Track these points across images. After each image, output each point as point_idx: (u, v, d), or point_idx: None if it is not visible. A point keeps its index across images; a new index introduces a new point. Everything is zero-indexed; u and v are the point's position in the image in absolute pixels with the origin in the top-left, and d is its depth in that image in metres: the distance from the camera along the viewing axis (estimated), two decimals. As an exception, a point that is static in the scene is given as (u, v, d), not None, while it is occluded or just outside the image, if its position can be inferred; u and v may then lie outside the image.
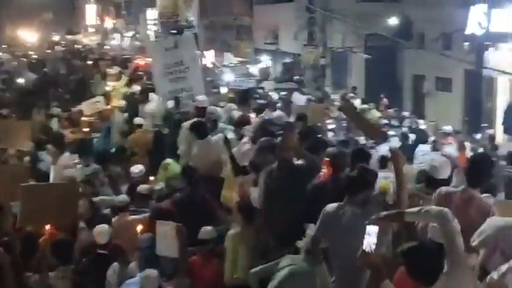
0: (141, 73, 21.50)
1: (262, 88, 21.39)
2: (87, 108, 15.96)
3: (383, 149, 10.50)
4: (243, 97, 12.42)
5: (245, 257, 6.85)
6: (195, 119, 10.17)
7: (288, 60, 33.02)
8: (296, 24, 30.43)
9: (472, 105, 19.58)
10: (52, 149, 11.97)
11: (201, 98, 11.22)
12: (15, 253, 7.20)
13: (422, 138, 14.42)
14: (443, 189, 5.97)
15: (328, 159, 7.56)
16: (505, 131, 15.97)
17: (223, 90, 17.90)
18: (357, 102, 19.11)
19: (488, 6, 17.58)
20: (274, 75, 31.87)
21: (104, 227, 7.74)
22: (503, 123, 17.03)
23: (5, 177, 8.67)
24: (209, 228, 7.34)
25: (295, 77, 29.09)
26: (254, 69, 31.02)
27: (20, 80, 24.77)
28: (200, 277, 7.27)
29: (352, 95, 21.64)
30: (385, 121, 16.44)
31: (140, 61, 25.84)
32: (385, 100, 20.21)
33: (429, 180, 6.40)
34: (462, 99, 20.37)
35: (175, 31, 12.95)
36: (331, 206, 5.72)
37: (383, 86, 23.25)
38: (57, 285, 6.93)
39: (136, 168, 10.20)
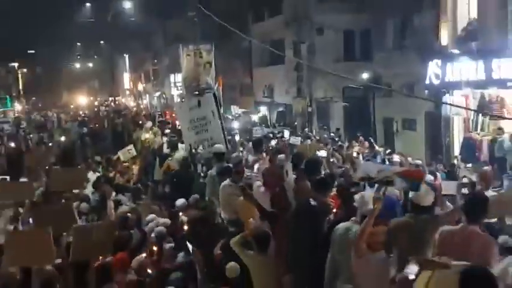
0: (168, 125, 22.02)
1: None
2: (122, 155, 16.37)
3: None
4: (257, 144, 12.56)
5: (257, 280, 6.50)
6: (222, 166, 10.25)
7: (281, 109, 33.69)
8: (287, 81, 31.23)
9: (433, 140, 20.00)
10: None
11: (219, 146, 11.46)
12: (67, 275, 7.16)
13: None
14: (445, 229, 5.71)
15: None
16: (462, 161, 16.31)
17: (237, 137, 18.48)
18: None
19: (442, 61, 18.19)
20: (270, 121, 32.49)
21: None
22: (460, 154, 17.42)
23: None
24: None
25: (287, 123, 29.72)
26: (255, 117, 31.93)
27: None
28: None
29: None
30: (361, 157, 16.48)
31: (168, 115, 26.66)
32: (361, 138, 20.59)
33: (415, 207, 5.78)
34: (424, 136, 20.80)
35: (197, 93, 13.14)
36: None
37: (359, 127, 23.60)
38: None
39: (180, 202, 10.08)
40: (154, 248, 8.18)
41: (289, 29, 29.74)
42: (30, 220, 8.67)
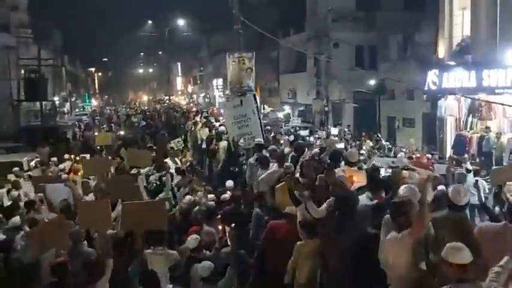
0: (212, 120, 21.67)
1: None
2: (174, 144, 15.91)
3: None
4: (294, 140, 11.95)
5: (305, 265, 5.74)
6: (258, 155, 9.70)
7: (302, 108, 32.94)
8: (308, 85, 30.54)
9: (428, 136, 19.23)
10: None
11: (259, 139, 11.06)
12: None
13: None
14: (484, 226, 5.16)
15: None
16: (455, 154, 15.54)
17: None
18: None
19: (439, 71, 17.38)
20: (292, 117, 31.98)
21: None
22: (452, 148, 16.64)
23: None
24: None
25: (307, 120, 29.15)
26: (280, 115, 31.39)
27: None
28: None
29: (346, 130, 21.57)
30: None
31: (211, 111, 26.37)
32: (363, 133, 19.90)
33: (453, 206, 4.94)
34: (421, 132, 20.05)
35: (240, 93, 12.66)
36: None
37: (367, 124, 22.94)
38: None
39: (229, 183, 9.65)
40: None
41: (311, 43, 29.09)
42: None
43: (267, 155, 9.48)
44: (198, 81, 59.07)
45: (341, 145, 12.09)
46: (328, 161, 7.98)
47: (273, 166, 8.65)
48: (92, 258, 6.07)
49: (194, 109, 30.96)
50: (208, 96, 51.94)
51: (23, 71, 29.20)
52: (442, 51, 18.39)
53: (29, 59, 28.85)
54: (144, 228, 6.36)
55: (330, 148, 9.59)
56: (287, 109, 34.47)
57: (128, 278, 5.88)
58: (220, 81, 48.68)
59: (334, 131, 18.78)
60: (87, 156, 14.22)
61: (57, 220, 7.06)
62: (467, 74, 16.21)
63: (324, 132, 18.15)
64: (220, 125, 16.16)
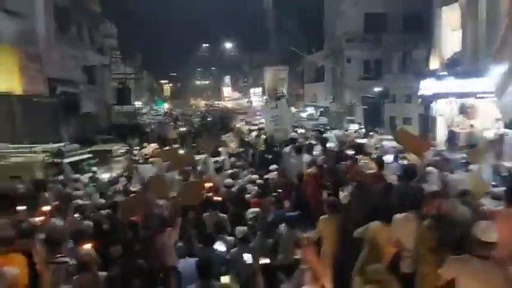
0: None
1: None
2: (226, 138, 15.55)
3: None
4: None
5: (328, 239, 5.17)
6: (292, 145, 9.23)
7: (322, 109, 32.11)
8: (326, 92, 29.77)
9: (423, 132, 18.19)
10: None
11: (293, 134, 10.72)
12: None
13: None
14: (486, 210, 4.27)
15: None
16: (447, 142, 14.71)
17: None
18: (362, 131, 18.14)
19: (432, 79, 16.46)
20: (316, 116, 31.15)
21: None
22: (446, 141, 15.65)
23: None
24: None
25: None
26: (304, 115, 30.71)
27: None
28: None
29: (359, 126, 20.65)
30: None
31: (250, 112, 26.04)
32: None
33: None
34: (418, 129, 19.05)
35: (276, 98, 12.19)
36: None
37: (373, 122, 21.83)
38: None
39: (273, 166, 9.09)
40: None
41: (328, 59, 28.31)
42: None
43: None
44: (241, 90, 59.17)
45: (362, 140, 11.42)
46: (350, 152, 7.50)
47: (304, 155, 8.28)
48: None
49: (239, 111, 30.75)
50: (248, 101, 51.81)
51: (113, 83, 29.73)
52: (435, 64, 17.39)
53: (118, 74, 29.37)
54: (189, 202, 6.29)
55: (350, 142, 9.08)
56: (310, 110, 33.71)
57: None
58: (258, 89, 48.41)
59: (354, 126, 17.90)
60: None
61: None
62: (457, 82, 15.28)
63: (342, 130, 17.34)
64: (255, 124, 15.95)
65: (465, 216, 3.80)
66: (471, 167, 7.88)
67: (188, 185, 7.09)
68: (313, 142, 9.64)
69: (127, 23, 37.39)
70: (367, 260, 3.84)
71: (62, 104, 17.97)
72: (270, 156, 10.45)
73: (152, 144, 14.66)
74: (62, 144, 11.02)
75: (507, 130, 13.25)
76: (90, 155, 12.23)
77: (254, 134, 14.72)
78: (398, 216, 4.11)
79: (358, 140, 11.17)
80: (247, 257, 5.04)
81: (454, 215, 3.78)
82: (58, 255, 4.65)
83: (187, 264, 4.97)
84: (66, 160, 10.40)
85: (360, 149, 7.66)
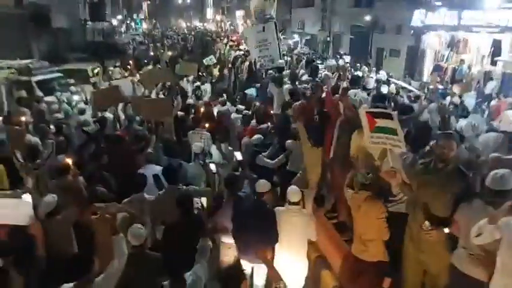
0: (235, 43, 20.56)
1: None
2: (205, 61, 14.68)
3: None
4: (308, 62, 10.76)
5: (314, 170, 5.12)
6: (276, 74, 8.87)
7: (308, 37, 30.90)
8: (314, 18, 28.58)
9: (410, 65, 17.96)
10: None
11: (281, 61, 10.16)
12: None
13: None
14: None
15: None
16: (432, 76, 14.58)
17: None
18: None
19: (426, 10, 15.80)
20: (300, 45, 30.08)
21: None
22: (430, 74, 15.50)
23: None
24: None
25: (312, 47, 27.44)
26: (290, 42, 29.60)
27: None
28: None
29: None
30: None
31: (233, 37, 24.90)
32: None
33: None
34: (404, 62, 18.71)
35: (263, 21, 11.46)
36: None
37: (360, 54, 21.22)
38: None
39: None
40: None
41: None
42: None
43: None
44: (225, 12, 56.41)
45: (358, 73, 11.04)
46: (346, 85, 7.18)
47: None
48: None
49: (222, 34, 29.42)
50: (232, 24, 49.46)
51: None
52: (430, -7, 16.60)
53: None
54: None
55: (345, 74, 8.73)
56: (296, 37, 32.49)
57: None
58: (242, 12, 46.12)
59: (347, 59, 17.37)
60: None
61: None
62: (450, 14, 14.72)
63: (334, 60, 16.72)
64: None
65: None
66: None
67: (157, 101, 7.32)
68: (302, 71, 9.22)
69: None
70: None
71: (30, 17, 16.61)
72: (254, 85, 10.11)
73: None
74: (29, 60, 10.25)
75: (492, 67, 13.21)
76: (60, 74, 11.50)
77: (238, 59, 14.09)
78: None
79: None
80: (212, 167, 5.40)
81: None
82: (38, 161, 4.98)
83: (152, 169, 5.10)
84: (34, 78, 9.78)
85: (355, 81, 7.30)
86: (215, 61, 14.93)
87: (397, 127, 3.50)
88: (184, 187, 4.65)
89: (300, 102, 6.37)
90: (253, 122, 7.13)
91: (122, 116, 7.62)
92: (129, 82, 9.47)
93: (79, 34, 25.65)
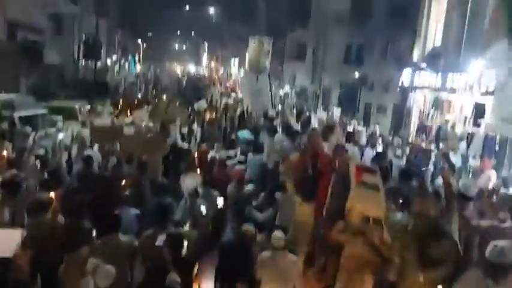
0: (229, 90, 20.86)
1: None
2: (197, 106, 14.84)
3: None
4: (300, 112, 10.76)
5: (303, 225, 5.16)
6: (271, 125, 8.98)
7: (298, 89, 31.80)
8: (305, 71, 29.48)
9: (396, 122, 18.33)
10: None
11: (271, 111, 10.30)
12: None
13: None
14: None
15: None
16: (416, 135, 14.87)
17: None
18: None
19: (412, 70, 16.42)
20: (290, 96, 30.80)
21: None
22: (416, 131, 15.84)
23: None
24: None
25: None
26: (281, 92, 30.35)
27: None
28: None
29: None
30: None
31: (227, 84, 25.38)
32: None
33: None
34: (391, 118, 19.15)
35: (258, 71, 11.67)
36: None
37: (348, 108, 21.73)
38: None
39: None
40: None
41: (312, 38, 27.81)
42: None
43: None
44: (220, 59, 58.10)
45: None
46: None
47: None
48: None
49: (216, 80, 30.00)
50: (226, 71, 50.82)
51: (84, 36, 28.12)
52: (416, 55, 17.36)
53: (89, 27, 27.71)
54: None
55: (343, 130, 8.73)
56: (287, 88, 33.35)
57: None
58: (237, 60, 47.59)
59: (337, 112, 17.73)
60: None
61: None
62: (435, 76, 15.31)
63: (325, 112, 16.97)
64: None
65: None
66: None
67: (151, 138, 7.65)
68: (292, 122, 9.25)
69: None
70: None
71: (22, 52, 16.72)
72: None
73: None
74: (14, 95, 10.11)
75: (476, 128, 13.52)
76: (45, 111, 11.33)
77: (230, 107, 14.15)
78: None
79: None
80: (203, 208, 5.34)
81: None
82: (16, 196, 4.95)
83: (128, 213, 5.07)
84: (17, 114, 9.59)
85: (350, 136, 7.30)
86: (206, 106, 15.02)
87: (379, 183, 3.45)
88: (173, 228, 4.60)
89: (291, 155, 6.28)
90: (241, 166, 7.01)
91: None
92: (109, 121, 9.56)
93: (71, 71, 25.87)
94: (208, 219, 5.34)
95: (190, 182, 6.00)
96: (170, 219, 4.66)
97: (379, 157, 5.80)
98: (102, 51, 29.49)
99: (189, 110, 14.20)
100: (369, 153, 7.44)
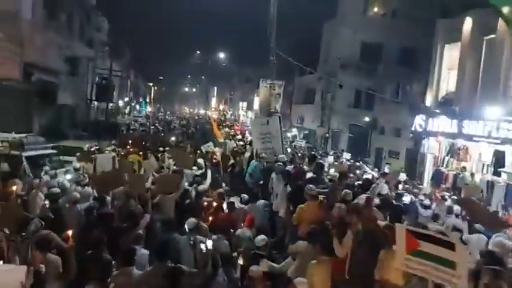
0: (237, 132, 20.63)
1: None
2: (204, 148, 14.74)
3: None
4: (312, 158, 10.25)
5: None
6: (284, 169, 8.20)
7: (306, 132, 31.52)
8: (313, 115, 29.32)
9: (410, 167, 17.73)
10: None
11: (282, 156, 9.69)
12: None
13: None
14: None
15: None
16: (432, 185, 14.24)
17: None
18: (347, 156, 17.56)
19: (426, 116, 16.12)
20: (298, 138, 30.53)
21: None
22: (431, 180, 15.28)
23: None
24: None
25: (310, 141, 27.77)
26: (289, 135, 30.16)
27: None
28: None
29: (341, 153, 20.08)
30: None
31: (235, 127, 25.23)
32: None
33: None
34: (404, 164, 18.56)
35: (268, 114, 11.37)
36: None
37: (358, 152, 21.32)
38: None
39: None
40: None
41: (320, 82, 27.88)
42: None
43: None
44: (228, 102, 58.83)
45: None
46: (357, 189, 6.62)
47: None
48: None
49: (226, 123, 29.97)
50: (234, 114, 51.18)
51: (97, 78, 28.61)
52: (429, 101, 17.14)
53: (103, 69, 28.25)
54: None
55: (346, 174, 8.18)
56: (295, 131, 33.22)
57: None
58: (245, 104, 47.97)
59: (346, 155, 17.19)
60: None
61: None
62: (450, 122, 14.94)
63: (332, 157, 16.52)
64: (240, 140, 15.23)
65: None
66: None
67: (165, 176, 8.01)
68: (305, 168, 8.71)
69: (121, 19, 36.45)
70: None
71: (36, 92, 16.80)
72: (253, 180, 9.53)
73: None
74: (24, 135, 9.96)
75: (495, 177, 12.95)
76: (53, 151, 11.17)
77: (238, 152, 13.79)
78: None
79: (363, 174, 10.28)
80: (203, 246, 5.23)
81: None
82: (23, 234, 5.01)
83: (141, 254, 5.11)
84: (25, 153, 9.41)
85: (368, 185, 6.67)
86: (213, 148, 14.69)
87: (459, 260, 2.80)
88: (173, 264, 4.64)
89: (306, 204, 5.79)
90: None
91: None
92: (110, 157, 9.81)
93: (83, 112, 26.01)
94: (209, 258, 5.13)
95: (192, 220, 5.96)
96: (173, 254, 4.83)
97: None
98: (114, 92, 29.81)
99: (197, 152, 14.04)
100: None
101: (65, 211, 6.42)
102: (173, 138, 17.97)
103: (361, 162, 16.48)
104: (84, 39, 26.31)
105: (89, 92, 26.75)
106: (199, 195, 7.77)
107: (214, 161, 11.29)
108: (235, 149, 13.37)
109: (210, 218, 6.35)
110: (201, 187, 8.61)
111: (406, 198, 8.09)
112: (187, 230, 5.62)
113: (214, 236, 5.65)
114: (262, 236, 5.63)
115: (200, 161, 11.16)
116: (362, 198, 5.52)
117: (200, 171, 10.13)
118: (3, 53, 13.62)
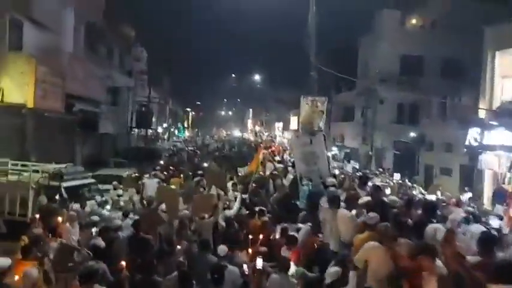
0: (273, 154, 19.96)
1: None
2: (242, 170, 14.09)
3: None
4: (364, 180, 9.23)
5: None
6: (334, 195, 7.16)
7: (347, 151, 30.23)
8: (354, 132, 28.09)
9: (466, 185, 16.16)
10: None
11: (331, 179, 8.78)
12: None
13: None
14: None
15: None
16: (493, 204, 12.76)
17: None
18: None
19: (480, 129, 14.73)
20: (339, 158, 29.31)
21: None
22: (493, 196, 13.74)
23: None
24: None
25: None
26: (329, 154, 29.02)
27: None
28: None
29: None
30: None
31: (272, 147, 24.60)
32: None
33: None
34: (459, 182, 17.04)
35: (311, 133, 10.54)
36: None
37: (405, 170, 19.78)
38: None
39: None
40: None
41: (360, 98, 26.78)
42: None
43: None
44: (264, 124, 58.86)
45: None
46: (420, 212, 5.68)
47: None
48: None
49: (263, 145, 29.37)
50: (270, 135, 50.78)
51: (137, 106, 29.19)
52: (482, 113, 15.74)
53: (142, 97, 28.82)
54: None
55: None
56: (335, 150, 32.04)
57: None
58: (281, 124, 47.44)
59: (396, 176, 15.98)
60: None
61: None
62: (509, 134, 13.53)
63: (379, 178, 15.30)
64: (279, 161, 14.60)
65: None
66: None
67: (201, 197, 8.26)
68: (358, 190, 7.75)
69: (158, 48, 37.34)
70: None
71: (79, 122, 17.05)
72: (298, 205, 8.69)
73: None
74: (64, 165, 9.81)
75: None
76: (92, 180, 11.00)
77: (277, 175, 12.97)
78: None
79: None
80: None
81: None
82: (69, 264, 5.35)
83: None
84: (64, 184, 9.20)
85: (433, 210, 5.64)
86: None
87: None
88: None
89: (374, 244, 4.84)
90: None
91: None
92: (156, 182, 10.54)
93: (124, 140, 26.42)
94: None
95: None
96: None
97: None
98: (153, 119, 30.24)
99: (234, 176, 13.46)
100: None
101: (116, 241, 6.46)
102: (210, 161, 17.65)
103: (409, 183, 15.18)
104: (124, 69, 27.00)
105: (129, 120, 27.22)
106: (228, 222, 7.59)
107: (254, 185, 10.61)
108: (273, 172, 12.58)
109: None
110: (227, 212, 8.27)
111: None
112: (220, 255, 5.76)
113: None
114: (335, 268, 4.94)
115: (229, 185, 10.63)
116: (437, 229, 4.58)
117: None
118: (45, 85, 13.88)
